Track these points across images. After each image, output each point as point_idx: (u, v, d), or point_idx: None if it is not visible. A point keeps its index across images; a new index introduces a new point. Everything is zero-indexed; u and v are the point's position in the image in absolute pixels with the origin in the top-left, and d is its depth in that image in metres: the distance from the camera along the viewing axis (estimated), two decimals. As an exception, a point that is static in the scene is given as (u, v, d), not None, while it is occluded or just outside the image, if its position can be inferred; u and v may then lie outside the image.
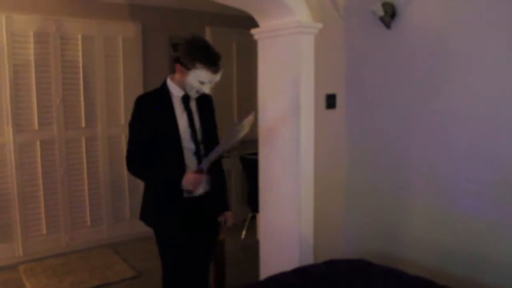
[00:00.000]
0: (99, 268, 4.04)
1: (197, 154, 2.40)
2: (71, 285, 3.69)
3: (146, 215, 2.55)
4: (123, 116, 4.65)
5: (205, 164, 2.31)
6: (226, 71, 5.48)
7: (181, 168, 2.33)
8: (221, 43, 5.16)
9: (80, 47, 4.34)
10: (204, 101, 2.52)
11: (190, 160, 2.38)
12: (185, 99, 2.40)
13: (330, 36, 2.93)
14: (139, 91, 4.69)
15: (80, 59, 4.36)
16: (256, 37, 3.04)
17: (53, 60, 4.20)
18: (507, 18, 2.22)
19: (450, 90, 2.49)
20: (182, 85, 2.36)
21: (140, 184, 4.78)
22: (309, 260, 2.84)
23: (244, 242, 4.56)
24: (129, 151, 2.41)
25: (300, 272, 2.24)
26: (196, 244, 2.49)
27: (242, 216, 4.91)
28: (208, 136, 2.46)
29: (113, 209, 4.67)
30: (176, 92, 2.39)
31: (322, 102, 2.94)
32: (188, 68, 2.28)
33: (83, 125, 4.43)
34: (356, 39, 2.96)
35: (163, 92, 2.40)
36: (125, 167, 4.63)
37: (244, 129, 2.29)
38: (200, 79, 2.28)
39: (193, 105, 2.45)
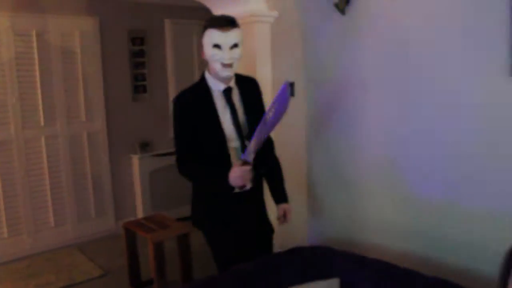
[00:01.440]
0: (65, 268, 3.96)
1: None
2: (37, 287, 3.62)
3: (197, 219, 2.39)
4: (84, 113, 4.55)
5: (248, 153, 2.08)
6: (187, 61, 5.36)
7: (228, 167, 2.13)
8: (181, 35, 5.13)
9: (35, 44, 4.20)
10: (249, 88, 2.31)
11: (236, 159, 2.19)
12: (227, 92, 2.21)
13: (286, 24, 2.92)
14: (99, 86, 4.62)
15: (36, 56, 4.21)
16: (212, 27, 3.00)
17: (7, 57, 4.04)
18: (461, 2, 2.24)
19: (403, 75, 2.52)
20: (215, 74, 2.17)
21: (105, 183, 4.74)
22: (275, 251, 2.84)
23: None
24: (178, 152, 2.25)
25: (263, 261, 2.24)
26: (249, 243, 2.37)
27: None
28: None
29: (77, 208, 4.58)
30: (215, 86, 2.21)
31: (281, 91, 2.93)
32: (203, 43, 2.13)
33: (42, 124, 4.30)
34: (313, 27, 2.96)
35: (202, 88, 2.21)
36: (88, 165, 4.60)
37: (277, 104, 2.03)
38: (213, 42, 2.08)
39: (236, 98, 2.24)
